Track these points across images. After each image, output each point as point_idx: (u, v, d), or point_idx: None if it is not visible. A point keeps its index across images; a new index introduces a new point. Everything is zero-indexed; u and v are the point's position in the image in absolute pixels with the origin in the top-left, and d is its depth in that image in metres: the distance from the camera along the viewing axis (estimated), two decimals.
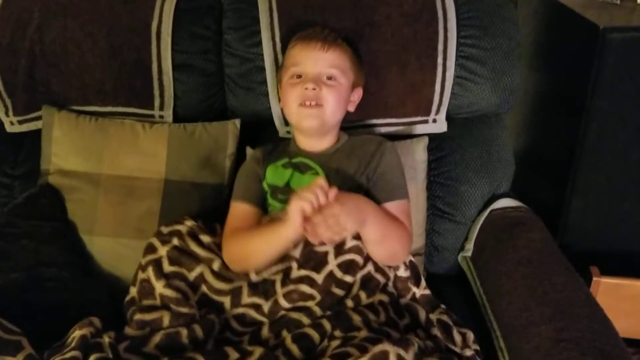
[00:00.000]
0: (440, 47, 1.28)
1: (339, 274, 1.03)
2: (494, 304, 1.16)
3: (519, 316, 1.06)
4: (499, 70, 1.31)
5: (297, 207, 0.95)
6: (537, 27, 1.64)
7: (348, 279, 1.04)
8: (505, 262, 1.19)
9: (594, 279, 1.37)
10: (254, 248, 1.06)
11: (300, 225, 0.96)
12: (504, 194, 1.37)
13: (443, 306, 1.13)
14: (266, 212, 1.17)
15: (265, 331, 1.02)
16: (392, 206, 1.12)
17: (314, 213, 0.94)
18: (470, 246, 1.31)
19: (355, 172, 1.14)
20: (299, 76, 1.13)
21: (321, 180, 0.96)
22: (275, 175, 1.16)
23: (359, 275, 1.05)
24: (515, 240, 1.22)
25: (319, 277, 1.03)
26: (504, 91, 1.33)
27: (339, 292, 1.03)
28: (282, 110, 1.29)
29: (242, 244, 1.07)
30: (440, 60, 1.28)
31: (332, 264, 1.04)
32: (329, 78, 1.13)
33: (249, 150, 1.30)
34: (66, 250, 1.18)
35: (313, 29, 1.17)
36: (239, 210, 1.15)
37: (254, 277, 1.06)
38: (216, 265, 1.07)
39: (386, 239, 1.05)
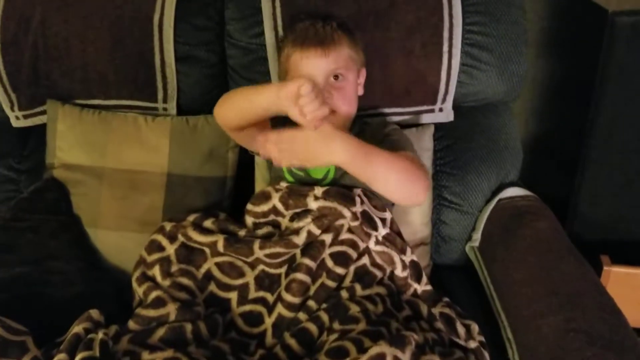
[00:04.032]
0: (445, 34, 1.26)
1: (329, 263, 1.03)
2: (502, 295, 1.14)
3: (527, 307, 1.04)
4: (506, 58, 1.30)
5: (293, 89, 0.94)
6: (545, 13, 1.61)
7: (339, 270, 1.03)
8: (513, 252, 1.17)
9: (605, 268, 1.34)
10: (236, 97, 1.10)
11: (281, 98, 0.96)
12: (512, 182, 1.35)
13: (446, 299, 1.12)
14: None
15: (269, 338, 1.01)
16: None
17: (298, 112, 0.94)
18: (477, 236, 1.29)
19: None
20: None
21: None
22: None
23: (352, 267, 1.05)
24: (524, 229, 1.20)
25: (314, 265, 1.03)
26: (511, 78, 1.32)
27: (330, 283, 1.03)
28: None
29: (233, 93, 1.12)
30: (445, 47, 1.26)
31: (326, 252, 1.04)
32: (336, 77, 1.11)
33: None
34: (71, 244, 1.19)
35: (305, 30, 1.12)
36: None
37: (257, 252, 1.04)
38: (220, 245, 1.06)
39: (387, 171, 0.99)
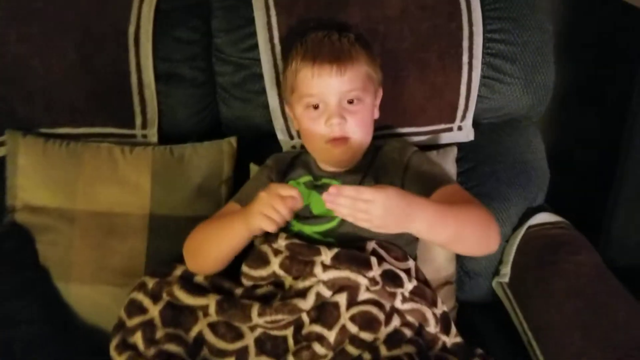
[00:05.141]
0: (465, 43, 1.15)
1: (353, 329, 0.89)
2: (544, 343, 1.02)
3: None
4: (531, 68, 1.19)
5: (260, 216, 0.88)
6: (571, 15, 1.51)
7: (365, 336, 0.89)
8: (552, 292, 1.06)
9: None
10: (207, 236, 0.99)
11: (256, 233, 0.92)
12: (540, 207, 1.24)
13: (480, 351, 0.99)
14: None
15: None
16: (443, 192, 0.97)
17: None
18: (506, 270, 1.17)
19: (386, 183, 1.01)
20: (316, 106, 1.00)
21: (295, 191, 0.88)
22: None
23: (383, 333, 0.91)
24: (562, 264, 1.10)
25: (331, 334, 0.89)
26: (537, 91, 1.21)
27: (353, 350, 0.88)
28: (286, 121, 1.18)
29: (199, 232, 1.01)
30: (465, 58, 1.15)
31: (344, 317, 0.90)
32: (351, 101, 0.99)
33: (253, 168, 1.17)
34: (38, 304, 1.06)
35: (318, 42, 1.01)
36: (228, 208, 1.06)
37: (256, 319, 0.91)
38: (212, 310, 0.93)
39: (463, 229, 0.89)
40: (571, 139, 1.59)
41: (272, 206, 0.86)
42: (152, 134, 1.18)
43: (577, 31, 1.50)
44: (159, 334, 0.92)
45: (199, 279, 0.98)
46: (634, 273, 1.28)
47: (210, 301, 0.93)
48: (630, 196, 1.31)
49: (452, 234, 0.88)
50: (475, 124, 1.22)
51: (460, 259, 1.20)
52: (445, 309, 1.00)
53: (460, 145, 1.21)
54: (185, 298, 0.94)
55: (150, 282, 0.97)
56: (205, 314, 0.94)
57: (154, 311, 0.94)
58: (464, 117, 1.19)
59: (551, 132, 1.59)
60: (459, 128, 1.20)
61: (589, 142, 1.50)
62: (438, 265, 1.13)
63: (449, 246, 0.94)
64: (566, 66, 1.48)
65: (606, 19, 1.39)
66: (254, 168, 1.16)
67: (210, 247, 0.97)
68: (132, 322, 0.94)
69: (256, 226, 0.89)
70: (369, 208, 0.79)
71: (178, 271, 0.99)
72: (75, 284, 1.09)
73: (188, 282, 0.97)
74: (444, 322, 0.98)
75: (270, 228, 0.87)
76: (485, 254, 0.96)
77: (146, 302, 0.96)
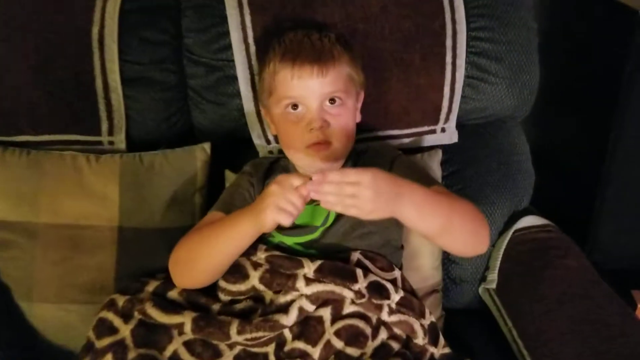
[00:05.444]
0: (448, 42, 1.11)
1: (338, 344, 0.86)
2: (536, 353, 0.98)
3: None
4: (517, 67, 1.17)
5: (275, 210, 0.81)
6: (554, 14, 1.49)
7: (351, 351, 0.86)
8: (542, 298, 1.04)
9: (639, 305, 1.21)
10: (202, 244, 0.91)
11: (269, 229, 0.84)
12: (525, 210, 1.22)
13: None
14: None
15: None
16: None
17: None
18: (493, 277, 1.14)
19: None
20: (295, 106, 0.95)
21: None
22: None
23: (370, 347, 0.87)
24: (551, 270, 1.08)
25: (315, 351, 0.86)
26: (522, 91, 1.19)
27: None
28: (262, 125, 1.13)
29: (191, 240, 0.93)
30: (449, 58, 1.12)
31: (329, 332, 0.87)
32: (332, 100, 0.95)
33: (229, 175, 1.13)
34: None
35: (298, 42, 0.96)
36: (213, 217, 0.99)
37: (235, 337, 0.87)
38: (188, 328, 0.88)
39: (453, 219, 0.86)
40: (555, 140, 1.57)
41: (287, 198, 0.80)
42: (120, 141, 1.12)
43: (561, 30, 1.48)
44: (131, 355, 0.87)
45: (173, 294, 0.93)
46: (621, 276, 1.28)
47: (186, 319, 0.88)
48: (617, 198, 1.29)
49: (441, 224, 0.85)
50: (459, 125, 1.19)
51: (445, 266, 1.17)
52: (433, 319, 0.97)
53: (444, 148, 1.19)
54: (159, 316, 0.89)
55: (121, 300, 0.92)
56: (181, 332, 0.89)
57: (125, 331, 0.89)
58: (447, 119, 1.16)
59: (535, 133, 1.58)
60: (443, 130, 1.17)
61: (574, 142, 1.48)
62: (424, 274, 1.11)
63: (437, 239, 0.89)
64: (550, 66, 1.46)
65: (590, 17, 1.38)
66: (229, 175, 1.11)
67: (208, 255, 0.91)
68: (101, 343, 0.89)
69: (271, 222, 0.82)
70: (357, 192, 0.75)
71: (150, 287, 0.94)
72: (39, 303, 1.04)
73: (161, 299, 0.92)
74: (432, 333, 0.95)
75: (287, 221, 0.81)
76: (474, 253, 0.94)
77: (117, 321, 0.90)
